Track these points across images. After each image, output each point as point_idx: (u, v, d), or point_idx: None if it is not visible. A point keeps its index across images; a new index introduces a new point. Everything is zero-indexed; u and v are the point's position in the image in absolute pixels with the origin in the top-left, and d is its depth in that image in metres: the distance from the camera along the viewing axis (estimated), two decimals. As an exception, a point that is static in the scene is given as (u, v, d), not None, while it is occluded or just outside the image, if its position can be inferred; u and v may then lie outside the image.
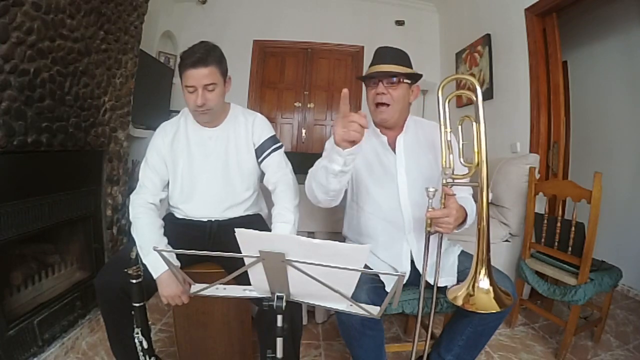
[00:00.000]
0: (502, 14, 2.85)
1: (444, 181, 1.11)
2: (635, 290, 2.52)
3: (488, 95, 2.96)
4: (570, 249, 1.71)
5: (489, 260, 1.05)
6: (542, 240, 1.88)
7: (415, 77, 1.28)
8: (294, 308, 1.11)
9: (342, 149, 0.97)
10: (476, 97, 1.06)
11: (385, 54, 1.26)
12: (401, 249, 1.30)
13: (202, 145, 1.39)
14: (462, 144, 1.15)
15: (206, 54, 1.22)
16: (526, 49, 2.56)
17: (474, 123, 1.07)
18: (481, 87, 1.10)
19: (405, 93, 1.26)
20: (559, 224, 1.77)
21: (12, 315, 1.44)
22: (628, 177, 2.69)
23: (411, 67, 1.28)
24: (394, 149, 1.32)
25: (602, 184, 1.59)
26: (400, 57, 1.26)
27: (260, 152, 1.41)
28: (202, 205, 1.41)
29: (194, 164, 1.38)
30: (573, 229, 1.70)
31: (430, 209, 1.09)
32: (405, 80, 1.25)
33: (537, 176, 2.08)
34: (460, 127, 1.12)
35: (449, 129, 1.12)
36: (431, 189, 1.07)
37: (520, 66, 2.62)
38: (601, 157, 2.92)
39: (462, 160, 1.15)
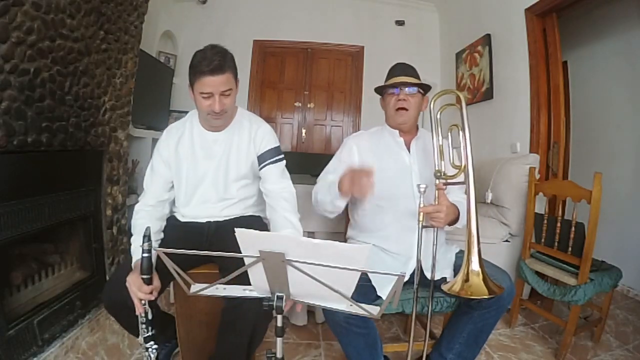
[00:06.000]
0: (502, 14, 2.84)
1: (437, 181, 1.27)
2: (635, 290, 2.52)
3: (488, 95, 2.95)
4: (570, 249, 1.71)
5: (479, 251, 1.14)
6: (542, 240, 1.88)
7: (427, 89, 1.47)
8: (260, 315, 1.17)
9: (344, 196, 1.24)
10: (461, 108, 1.24)
11: (404, 68, 1.47)
12: (413, 240, 1.34)
13: (206, 148, 1.40)
14: (453, 149, 1.33)
15: (223, 60, 1.21)
16: (526, 49, 2.55)
17: (460, 131, 1.22)
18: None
19: (420, 102, 1.46)
20: (559, 224, 1.77)
21: (12, 315, 1.44)
22: (628, 177, 2.69)
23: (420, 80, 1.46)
24: (408, 150, 1.47)
25: (602, 184, 1.59)
26: (415, 72, 1.46)
27: (261, 161, 1.41)
28: (202, 206, 1.42)
29: (197, 167, 1.40)
30: (573, 229, 1.70)
31: (422, 205, 1.23)
32: (420, 91, 1.44)
33: (537, 176, 2.08)
34: (449, 133, 1.31)
35: (441, 137, 1.31)
36: (422, 185, 1.21)
37: (520, 66, 2.62)
38: (601, 157, 2.92)
39: (452, 162, 1.28)
